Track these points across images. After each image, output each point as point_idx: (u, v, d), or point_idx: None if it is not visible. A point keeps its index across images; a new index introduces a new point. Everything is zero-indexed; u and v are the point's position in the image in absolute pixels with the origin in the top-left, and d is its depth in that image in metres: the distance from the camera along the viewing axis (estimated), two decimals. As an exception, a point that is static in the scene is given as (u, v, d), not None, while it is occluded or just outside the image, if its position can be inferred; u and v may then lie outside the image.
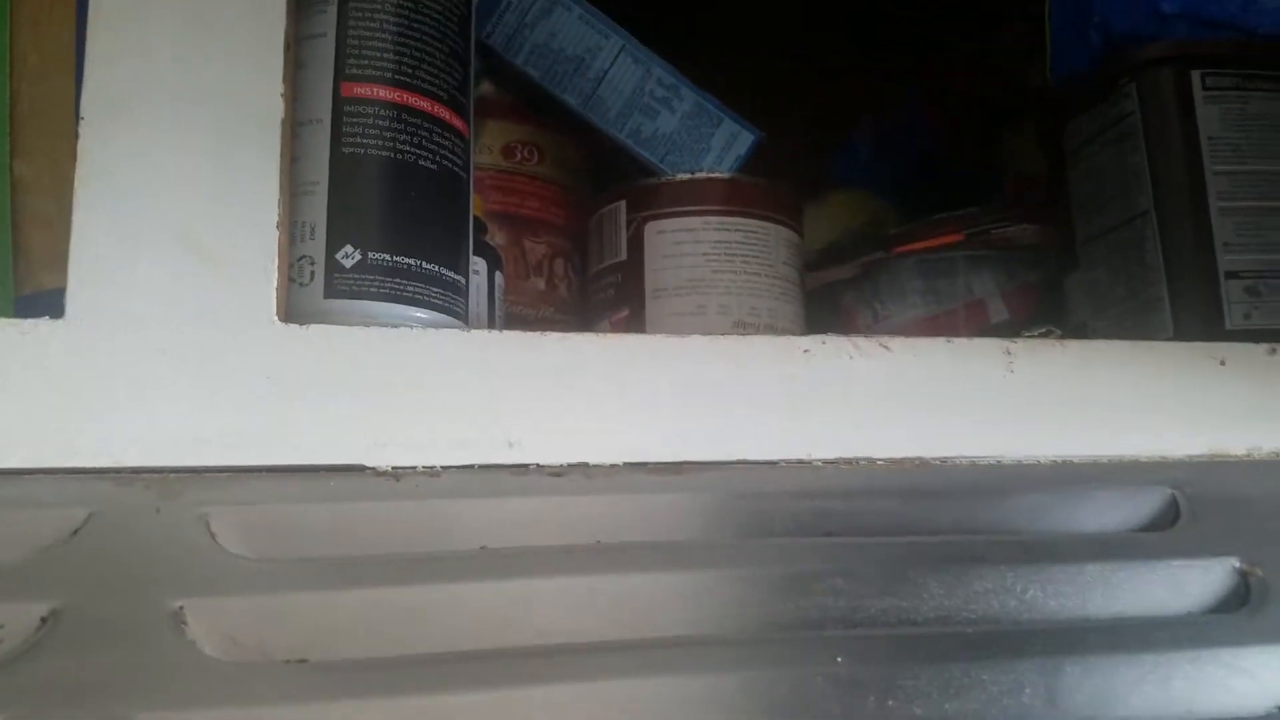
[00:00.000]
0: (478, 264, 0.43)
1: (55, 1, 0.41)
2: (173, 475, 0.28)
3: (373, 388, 0.29)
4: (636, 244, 0.50)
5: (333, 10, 0.34)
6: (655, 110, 0.55)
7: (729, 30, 0.77)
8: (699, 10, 0.73)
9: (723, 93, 0.56)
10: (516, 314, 0.52)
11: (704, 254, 0.49)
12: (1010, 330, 0.54)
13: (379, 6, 0.34)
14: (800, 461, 0.33)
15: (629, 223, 0.50)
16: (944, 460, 0.33)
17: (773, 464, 0.32)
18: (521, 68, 0.53)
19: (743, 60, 0.71)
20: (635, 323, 0.49)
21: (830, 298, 0.59)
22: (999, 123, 0.72)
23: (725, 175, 0.51)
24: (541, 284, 0.53)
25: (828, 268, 0.59)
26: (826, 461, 0.33)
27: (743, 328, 0.48)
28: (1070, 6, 0.53)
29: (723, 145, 0.56)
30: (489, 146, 0.54)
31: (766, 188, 0.51)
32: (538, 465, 0.30)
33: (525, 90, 0.54)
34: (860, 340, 0.34)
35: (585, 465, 0.30)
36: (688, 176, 0.50)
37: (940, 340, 0.35)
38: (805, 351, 0.34)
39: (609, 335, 0.31)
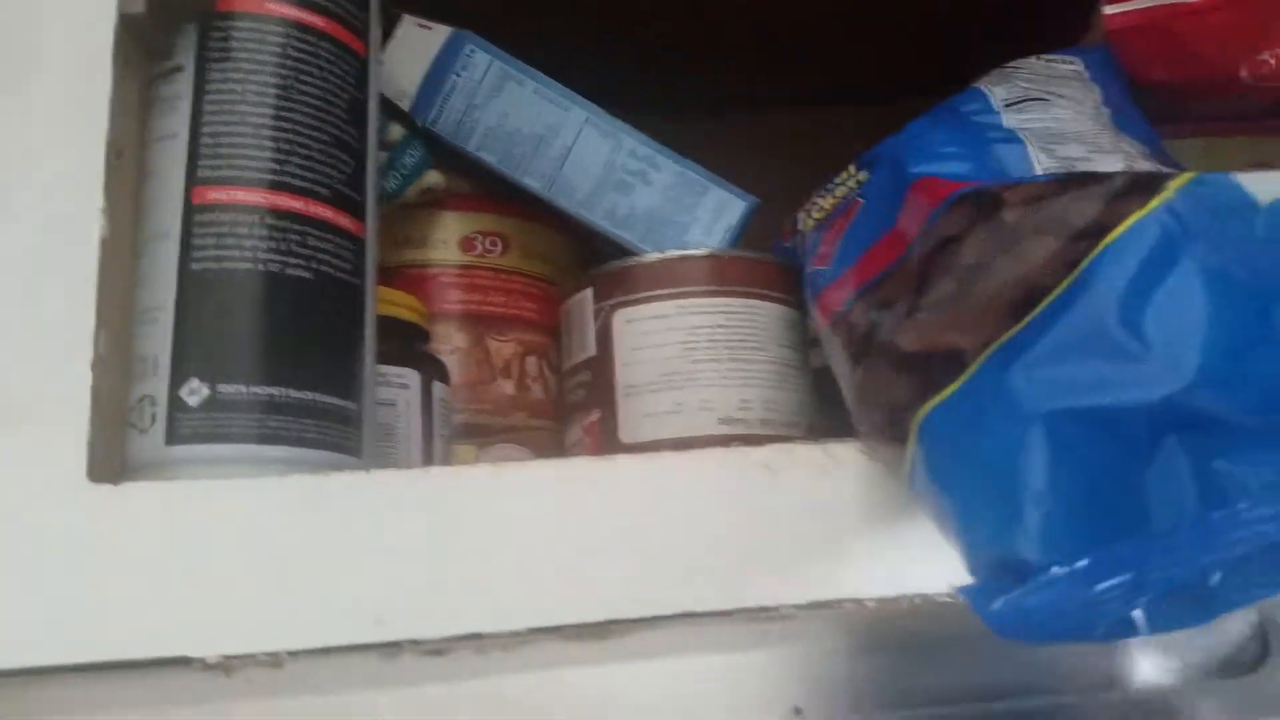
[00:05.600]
0: (407, 377, 0.38)
1: None
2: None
3: (199, 554, 0.23)
4: (605, 336, 0.44)
5: (186, 105, 0.29)
6: (630, 185, 0.50)
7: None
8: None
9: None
10: (480, 424, 0.46)
11: (681, 342, 0.43)
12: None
13: (239, 95, 0.29)
14: (764, 610, 0.26)
15: (596, 313, 0.44)
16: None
17: (727, 615, 0.25)
18: (475, 154, 0.48)
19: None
20: (608, 426, 0.43)
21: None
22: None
23: (701, 251, 0.45)
24: (510, 387, 0.48)
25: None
26: (799, 607, 0.26)
27: (730, 424, 0.42)
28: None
29: (711, 216, 0.51)
30: (444, 241, 0.49)
31: (753, 261, 0.45)
32: (412, 642, 0.24)
33: (487, 176, 0.50)
34: (836, 447, 0.27)
35: (477, 637, 0.24)
36: (658, 257, 0.44)
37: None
38: (766, 468, 0.27)
39: (494, 467, 0.25)
